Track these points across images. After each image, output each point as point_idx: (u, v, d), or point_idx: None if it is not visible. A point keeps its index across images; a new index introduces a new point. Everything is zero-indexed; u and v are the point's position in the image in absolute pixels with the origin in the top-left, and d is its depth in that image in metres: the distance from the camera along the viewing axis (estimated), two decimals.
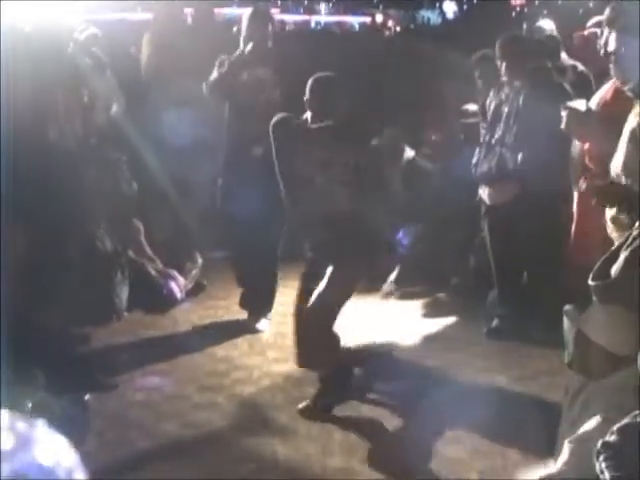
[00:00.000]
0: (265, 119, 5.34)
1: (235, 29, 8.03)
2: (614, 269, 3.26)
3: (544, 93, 5.88)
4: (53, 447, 1.74)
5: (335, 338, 5.10)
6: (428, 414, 4.87)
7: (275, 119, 5.16)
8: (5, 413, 1.77)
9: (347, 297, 5.09)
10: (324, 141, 5.08)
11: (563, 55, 6.89)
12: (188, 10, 8.30)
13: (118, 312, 6.51)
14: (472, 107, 7.52)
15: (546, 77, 6.16)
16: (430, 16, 15.40)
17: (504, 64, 6.28)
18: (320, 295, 5.00)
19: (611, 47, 4.78)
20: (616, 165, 4.17)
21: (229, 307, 6.65)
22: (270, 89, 6.15)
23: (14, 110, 4.60)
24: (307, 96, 5.16)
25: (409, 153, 8.17)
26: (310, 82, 5.18)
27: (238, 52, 6.08)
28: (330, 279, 5.00)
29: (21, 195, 4.95)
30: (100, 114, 6.68)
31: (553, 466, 3.55)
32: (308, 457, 4.59)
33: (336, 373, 5.13)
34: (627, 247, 3.24)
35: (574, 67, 6.76)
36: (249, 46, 6.08)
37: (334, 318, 5.05)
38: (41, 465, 1.73)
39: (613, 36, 4.80)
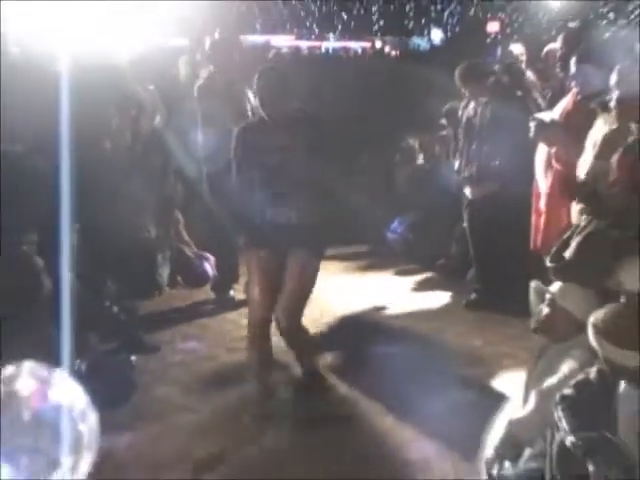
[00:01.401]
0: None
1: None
2: (567, 253, 3.24)
3: (507, 105, 5.88)
4: (69, 391, 1.74)
5: None
6: (416, 371, 4.87)
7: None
8: (27, 362, 1.78)
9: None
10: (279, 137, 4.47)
11: (529, 74, 6.81)
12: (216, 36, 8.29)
13: (160, 287, 6.48)
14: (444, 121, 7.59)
15: (505, 91, 6.16)
16: (420, 43, 15.33)
17: (467, 91, 6.34)
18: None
19: (573, 69, 4.74)
20: (584, 166, 4.14)
21: None
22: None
23: (76, 124, 4.58)
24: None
25: (420, 160, 8.17)
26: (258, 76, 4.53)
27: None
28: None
29: (81, 196, 4.95)
30: (145, 125, 6.65)
31: (521, 411, 3.54)
32: (319, 407, 4.61)
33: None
34: (578, 234, 3.22)
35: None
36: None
37: None
38: (58, 406, 1.73)
39: (574, 59, 4.77)
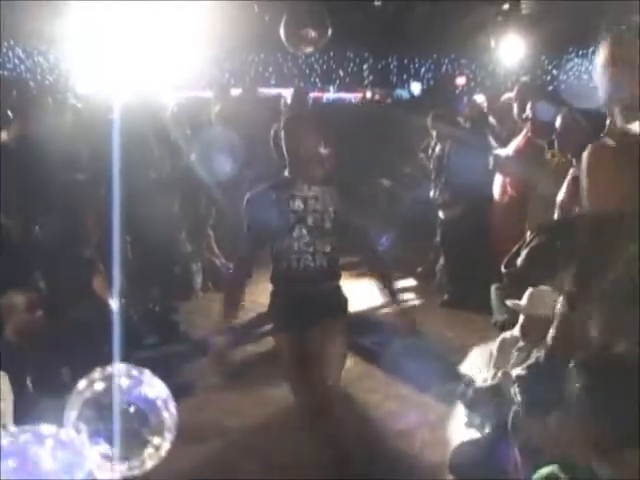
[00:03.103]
0: None
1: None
2: (518, 261, 3.28)
3: (466, 146, 5.98)
4: (155, 386, 1.80)
5: None
6: (398, 355, 4.94)
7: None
8: (121, 364, 1.83)
9: None
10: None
11: (490, 118, 6.86)
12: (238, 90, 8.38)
13: (195, 291, 6.54)
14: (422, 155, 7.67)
15: (465, 134, 6.27)
16: (402, 93, 15.38)
17: (434, 132, 6.51)
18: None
19: (528, 113, 4.78)
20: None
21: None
22: None
23: (125, 158, 4.63)
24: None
25: (386, 183, 8.25)
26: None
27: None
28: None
29: (131, 214, 4.98)
30: (183, 159, 6.70)
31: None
32: None
33: None
34: (526, 246, 3.27)
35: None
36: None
37: None
38: (147, 397, 1.78)
39: (529, 105, 4.80)
